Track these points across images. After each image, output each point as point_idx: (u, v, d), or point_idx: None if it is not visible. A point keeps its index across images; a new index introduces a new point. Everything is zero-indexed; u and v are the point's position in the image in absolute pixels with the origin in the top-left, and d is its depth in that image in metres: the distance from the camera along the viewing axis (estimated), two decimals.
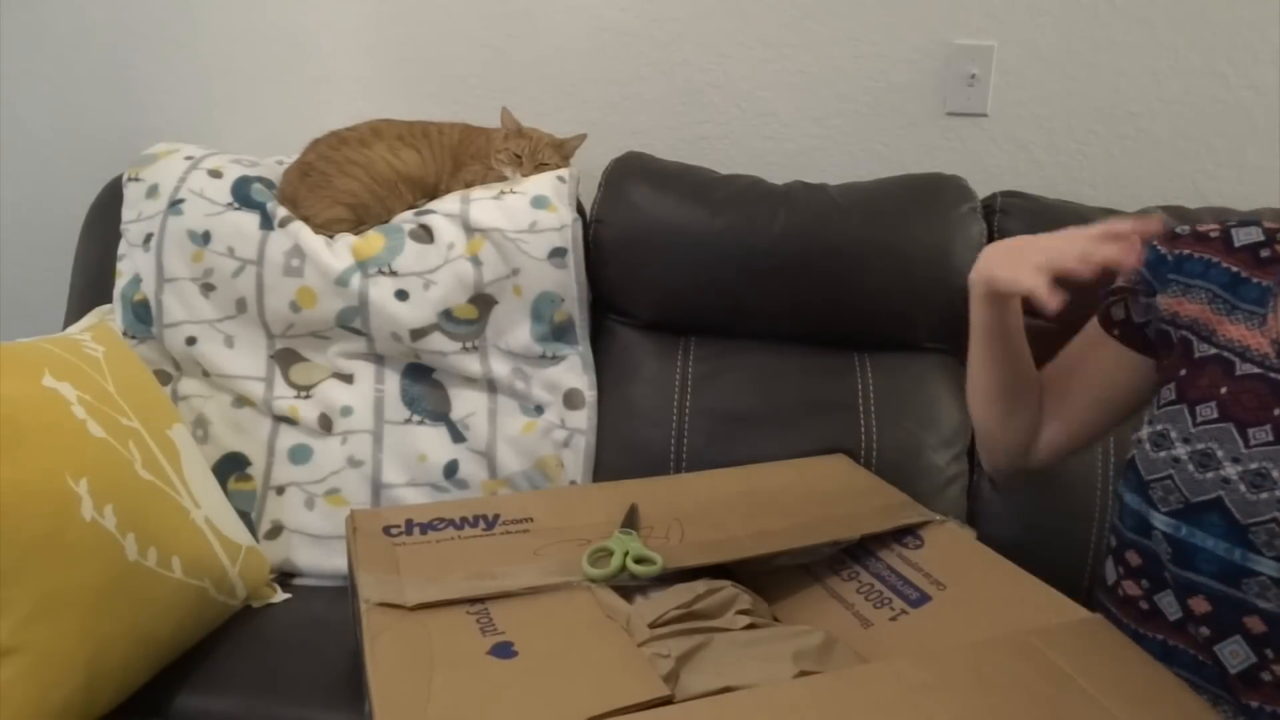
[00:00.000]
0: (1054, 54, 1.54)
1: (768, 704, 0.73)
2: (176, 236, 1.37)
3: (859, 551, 1.00)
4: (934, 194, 1.42)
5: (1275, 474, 0.79)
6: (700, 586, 0.90)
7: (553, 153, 1.48)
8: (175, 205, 1.38)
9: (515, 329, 1.39)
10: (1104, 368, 0.99)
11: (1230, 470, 0.81)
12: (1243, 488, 0.80)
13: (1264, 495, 0.79)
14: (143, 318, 1.38)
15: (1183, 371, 0.90)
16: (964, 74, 1.56)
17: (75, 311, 1.46)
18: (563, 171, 1.46)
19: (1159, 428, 0.88)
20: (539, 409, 1.40)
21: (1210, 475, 0.82)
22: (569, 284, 1.39)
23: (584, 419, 1.38)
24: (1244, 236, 0.92)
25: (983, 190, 1.45)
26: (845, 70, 1.58)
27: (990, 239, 1.39)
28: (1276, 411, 0.81)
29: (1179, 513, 0.84)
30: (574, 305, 1.40)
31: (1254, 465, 0.80)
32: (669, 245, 1.40)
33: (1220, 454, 0.83)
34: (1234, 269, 0.90)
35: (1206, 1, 1.49)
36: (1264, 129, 1.52)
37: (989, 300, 0.96)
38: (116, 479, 1.01)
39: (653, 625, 0.84)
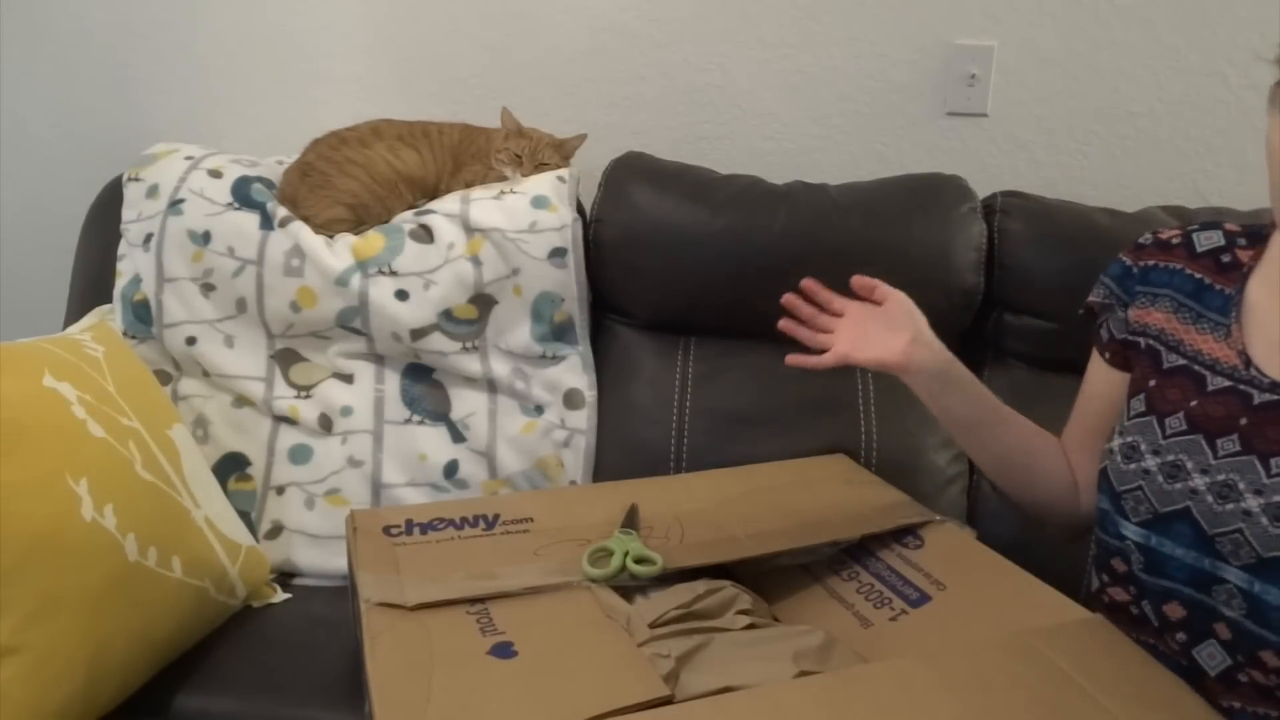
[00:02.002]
0: (1054, 54, 1.54)
1: (768, 704, 0.72)
2: (176, 236, 1.37)
3: (859, 551, 1.00)
4: (934, 194, 1.42)
5: (1241, 485, 0.79)
6: (700, 586, 0.90)
7: (553, 153, 1.48)
8: (175, 205, 1.38)
9: (515, 329, 1.39)
10: (1109, 393, 0.97)
11: (1199, 481, 0.81)
12: (1210, 498, 0.80)
13: (1230, 506, 0.79)
14: (143, 318, 1.38)
15: (1152, 383, 0.89)
16: (964, 74, 1.56)
17: (75, 311, 1.46)
18: (563, 171, 1.46)
19: (1129, 439, 0.88)
20: (539, 409, 1.39)
21: (1179, 486, 0.82)
22: (569, 284, 1.39)
23: (584, 419, 1.38)
24: (1205, 241, 0.92)
25: (983, 190, 1.45)
26: (845, 70, 1.58)
27: (990, 239, 1.39)
28: (1244, 421, 0.81)
29: (1148, 523, 0.84)
30: (574, 305, 1.40)
31: (1221, 477, 0.80)
32: (669, 245, 1.40)
33: (1189, 465, 0.82)
34: (1197, 275, 0.90)
35: (1206, 1, 1.49)
36: (1263, 129, 1.52)
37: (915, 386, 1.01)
38: (116, 479, 1.01)
39: (653, 625, 0.84)
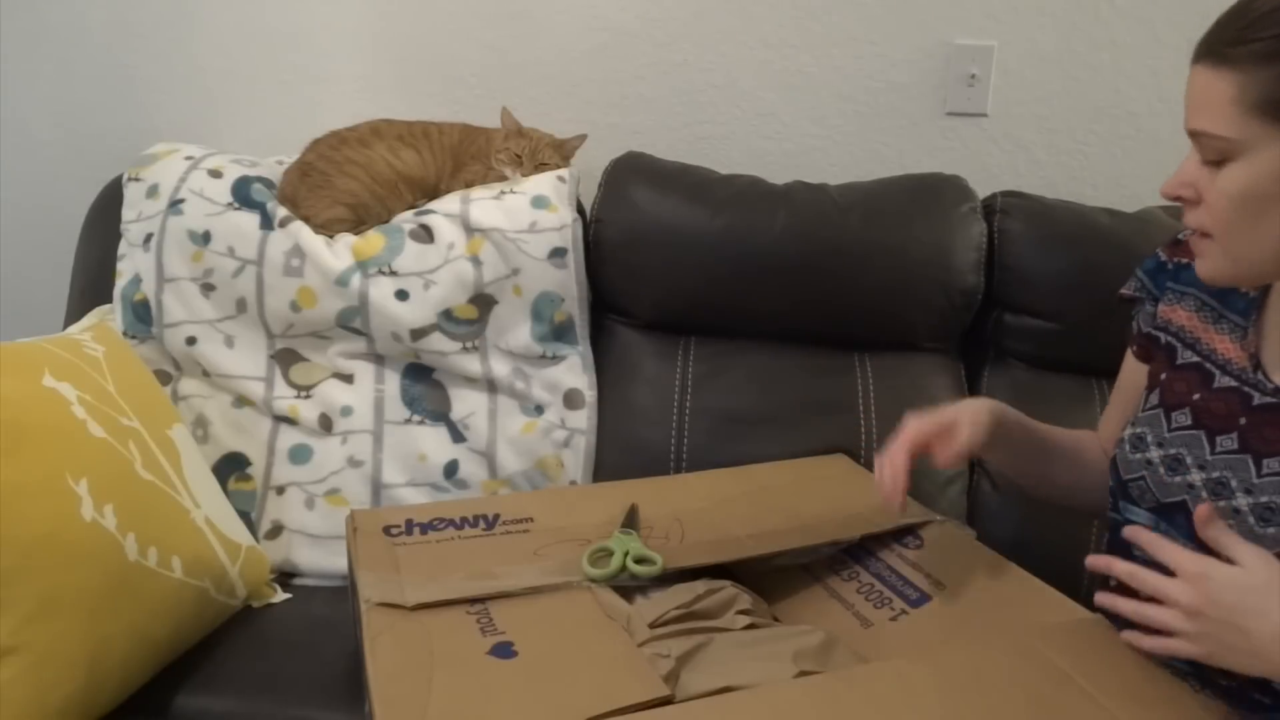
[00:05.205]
0: (1054, 54, 1.54)
1: (768, 704, 0.73)
2: (176, 236, 1.37)
3: (859, 551, 1.00)
4: (934, 194, 1.42)
5: (1234, 483, 0.80)
6: (700, 586, 0.90)
7: (553, 153, 1.48)
8: (175, 205, 1.38)
9: (515, 329, 1.39)
10: (1138, 385, 0.97)
11: (1195, 476, 0.83)
12: (1204, 494, 0.81)
13: (1221, 504, 0.80)
14: (143, 318, 1.38)
15: (1163, 376, 0.90)
16: (964, 74, 1.56)
17: (75, 311, 1.46)
18: (563, 171, 1.46)
19: (1138, 430, 0.89)
20: (539, 409, 1.39)
21: (1178, 479, 0.83)
22: (569, 284, 1.39)
23: (584, 419, 1.38)
24: None
25: (983, 190, 1.45)
26: (845, 70, 1.58)
27: (990, 239, 1.39)
28: (1243, 420, 0.82)
29: (1155, 510, 0.85)
30: (574, 305, 1.40)
31: (1216, 474, 0.81)
32: (669, 245, 1.40)
33: (1188, 459, 0.84)
34: None
35: (1206, 1, 1.49)
36: None
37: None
38: (116, 479, 1.01)
39: (653, 625, 0.84)
